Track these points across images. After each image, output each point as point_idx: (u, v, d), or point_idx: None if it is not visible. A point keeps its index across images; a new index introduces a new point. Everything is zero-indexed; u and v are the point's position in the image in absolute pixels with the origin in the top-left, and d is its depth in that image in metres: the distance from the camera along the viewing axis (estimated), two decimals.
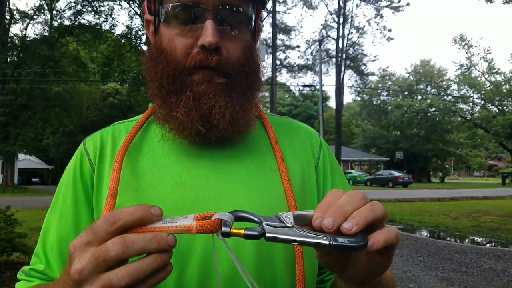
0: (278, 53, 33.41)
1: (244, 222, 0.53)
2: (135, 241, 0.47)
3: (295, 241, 0.49)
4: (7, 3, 27.68)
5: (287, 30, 35.54)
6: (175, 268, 0.69)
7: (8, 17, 27.92)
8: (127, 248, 0.47)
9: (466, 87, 40.36)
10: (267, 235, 0.50)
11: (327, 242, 0.49)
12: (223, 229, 0.50)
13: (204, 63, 0.76)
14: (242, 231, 0.50)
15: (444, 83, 47.10)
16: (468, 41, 38.32)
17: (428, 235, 10.85)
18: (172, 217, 0.52)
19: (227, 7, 0.76)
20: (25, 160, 42.03)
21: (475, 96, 40.48)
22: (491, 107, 40.30)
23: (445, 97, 44.86)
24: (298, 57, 50.15)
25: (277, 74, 34.12)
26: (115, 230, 0.48)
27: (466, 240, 10.13)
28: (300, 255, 0.75)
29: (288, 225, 0.51)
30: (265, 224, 0.51)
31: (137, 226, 0.49)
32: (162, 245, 0.48)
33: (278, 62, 34.05)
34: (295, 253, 0.76)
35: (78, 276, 0.48)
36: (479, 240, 10.18)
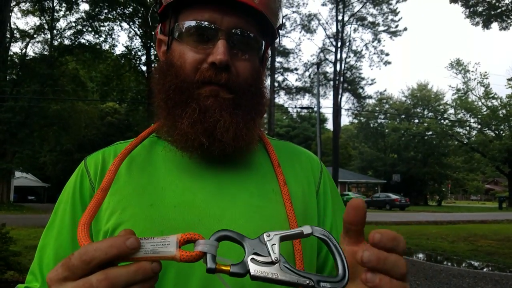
0: (276, 75, 33.76)
1: (228, 241, 0.53)
2: (120, 277, 0.47)
3: (279, 281, 0.50)
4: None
5: (285, 53, 35.98)
6: None
7: (8, 36, 28.17)
8: (113, 284, 0.47)
9: (463, 111, 40.65)
10: (252, 274, 0.50)
11: (307, 283, 0.50)
12: (209, 265, 0.50)
13: (213, 80, 0.77)
14: (228, 268, 0.50)
15: (441, 107, 47.46)
16: (465, 66, 38.78)
17: (425, 259, 10.77)
18: (153, 238, 0.50)
19: (240, 31, 0.79)
20: (22, 178, 41.78)
21: (472, 120, 40.77)
22: (487, 131, 40.55)
23: (442, 121, 45.10)
24: (296, 80, 50.57)
25: (275, 96, 34.37)
26: (91, 268, 0.48)
27: (463, 264, 10.06)
28: (300, 257, 0.76)
29: (274, 260, 0.51)
30: (250, 259, 0.51)
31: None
32: (147, 275, 0.49)
33: (276, 84, 34.35)
34: (296, 256, 0.76)
35: None
36: (476, 264, 10.11)
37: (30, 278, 0.81)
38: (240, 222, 0.77)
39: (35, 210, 26.12)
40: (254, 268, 0.50)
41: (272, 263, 0.50)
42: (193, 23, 0.79)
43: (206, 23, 0.78)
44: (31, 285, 0.79)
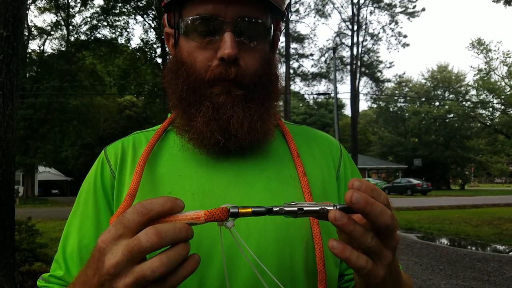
0: (291, 62, 33.49)
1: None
2: (168, 232, 0.48)
3: (301, 209, 0.52)
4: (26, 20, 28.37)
5: (300, 39, 35.59)
6: (196, 275, 0.71)
7: (26, 34, 28.57)
8: (161, 238, 0.47)
9: (485, 92, 39.79)
10: (274, 209, 0.53)
11: (331, 207, 0.52)
12: (232, 210, 0.52)
13: (224, 76, 0.77)
14: (249, 209, 0.53)
15: (462, 88, 46.46)
16: (487, 45, 37.86)
17: (449, 243, 10.66)
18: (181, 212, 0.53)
19: (246, 19, 0.78)
20: (45, 172, 42.81)
21: (495, 101, 39.87)
22: (511, 112, 39.61)
23: (464, 102, 44.26)
24: (312, 66, 50.13)
25: (291, 83, 34.17)
26: (146, 221, 0.49)
27: (488, 248, 9.92)
28: (320, 250, 0.75)
29: (292, 203, 0.54)
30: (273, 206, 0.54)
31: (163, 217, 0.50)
32: (188, 236, 0.50)
33: (291, 71, 34.11)
34: (315, 247, 0.76)
35: (114, 270, 0.48)
36: (501, 248, 9.96)
37: (55, 266, 0.83)
38: None
39: (59, 203, 26.73)
40: (275, 206, 0.54)
41: (291, 205, 0.53)
42: (197, 18, 0.78)
43: (210, 16, 0.77)
44: (55, 273, 0.81)
